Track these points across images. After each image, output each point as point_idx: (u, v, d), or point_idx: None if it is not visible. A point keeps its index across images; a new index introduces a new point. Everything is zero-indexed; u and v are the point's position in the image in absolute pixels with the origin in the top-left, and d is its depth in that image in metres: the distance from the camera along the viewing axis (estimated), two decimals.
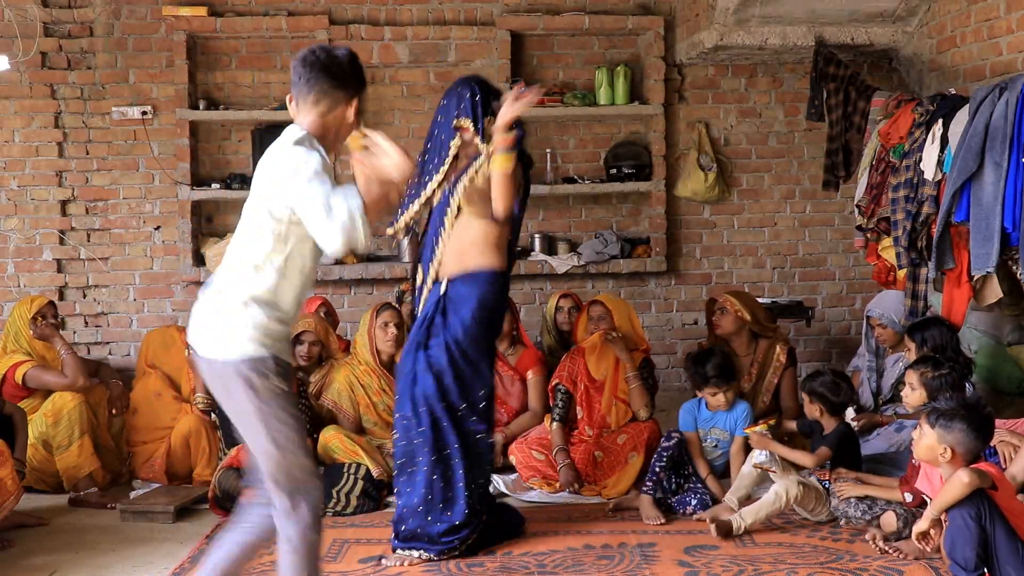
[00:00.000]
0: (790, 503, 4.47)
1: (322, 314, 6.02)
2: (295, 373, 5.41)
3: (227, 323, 3.02)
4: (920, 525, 3.52)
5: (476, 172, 4.20)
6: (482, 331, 4.27)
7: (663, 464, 4.81)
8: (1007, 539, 3.39)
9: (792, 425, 5.00)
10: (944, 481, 3.79)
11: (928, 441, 3.62)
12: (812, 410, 4.72)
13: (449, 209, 4.27)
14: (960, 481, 3.40)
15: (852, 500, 4.43)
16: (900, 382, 5.06)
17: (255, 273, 3.02)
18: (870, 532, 4.27)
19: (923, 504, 4.33)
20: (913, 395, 4.47)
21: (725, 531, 4.35)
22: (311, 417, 5.24)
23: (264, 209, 3.00)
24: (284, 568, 3.04)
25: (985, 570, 3.45)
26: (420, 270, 4.43)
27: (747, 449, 4.83)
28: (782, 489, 4.45)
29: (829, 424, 4.70)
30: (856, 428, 5.15)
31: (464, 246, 4.27)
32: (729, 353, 5.28)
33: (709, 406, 5.00)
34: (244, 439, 3.11)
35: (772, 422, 4.78)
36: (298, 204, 2.92)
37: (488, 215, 4.22)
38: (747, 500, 4.63)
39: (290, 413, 3.04)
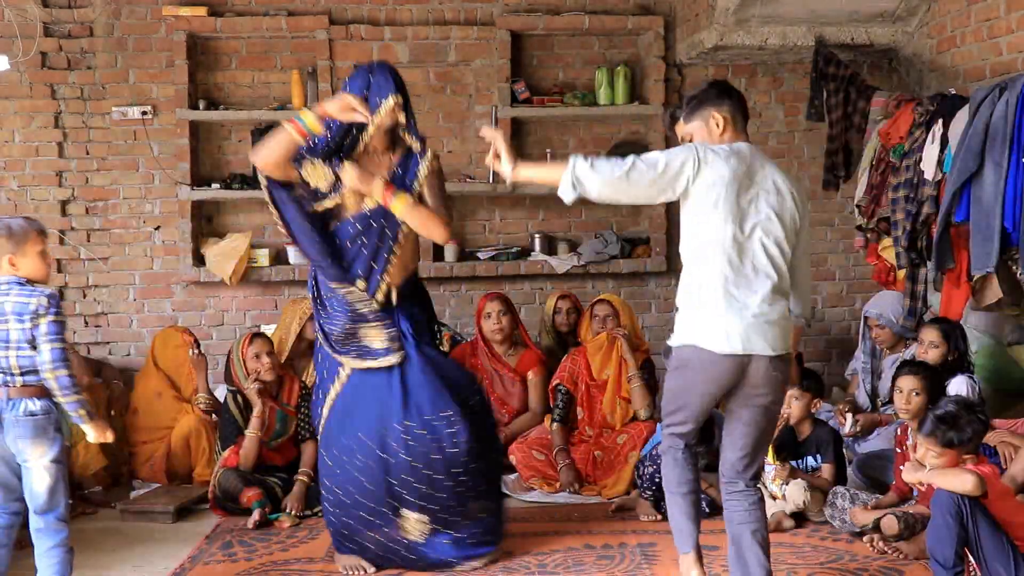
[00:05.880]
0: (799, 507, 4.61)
1: None
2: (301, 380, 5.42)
3: (790, 323, 3.45)
4: (914, 473, 3.67)
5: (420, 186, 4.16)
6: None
7: (656, 467, 4.84)
8: (992, 536, 3.42)
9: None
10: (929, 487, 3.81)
11: (944, 460, 3.60)
12: (800, 409, 4.76)
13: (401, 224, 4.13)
14: (966, 481, 3.44)
15: (837, 504, 4.47)
16: None
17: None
18: (868, 535, 4.28)
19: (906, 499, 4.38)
20: (916, 400, 4.43)
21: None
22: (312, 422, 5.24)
23: (796, 228, 3.45)
24: (761, 520, 3.50)
25: (966, 566, 3.47)
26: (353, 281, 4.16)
27: None
28: (799, 498, 4.57)
29: (804, 428, 4.78)
30: (857, 429, 5.17)
31: (409, 254, 4.23)
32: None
33: None
34: (767, 423, 3.51)
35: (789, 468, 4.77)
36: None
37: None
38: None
39: None
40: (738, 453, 3.51)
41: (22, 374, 3.53)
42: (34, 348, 3.51)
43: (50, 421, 3.58)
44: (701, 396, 3.45)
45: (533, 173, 3.49)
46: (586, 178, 3.25)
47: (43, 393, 3.55)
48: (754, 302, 3.33)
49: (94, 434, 3.64)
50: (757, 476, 3.56)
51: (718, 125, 3.50)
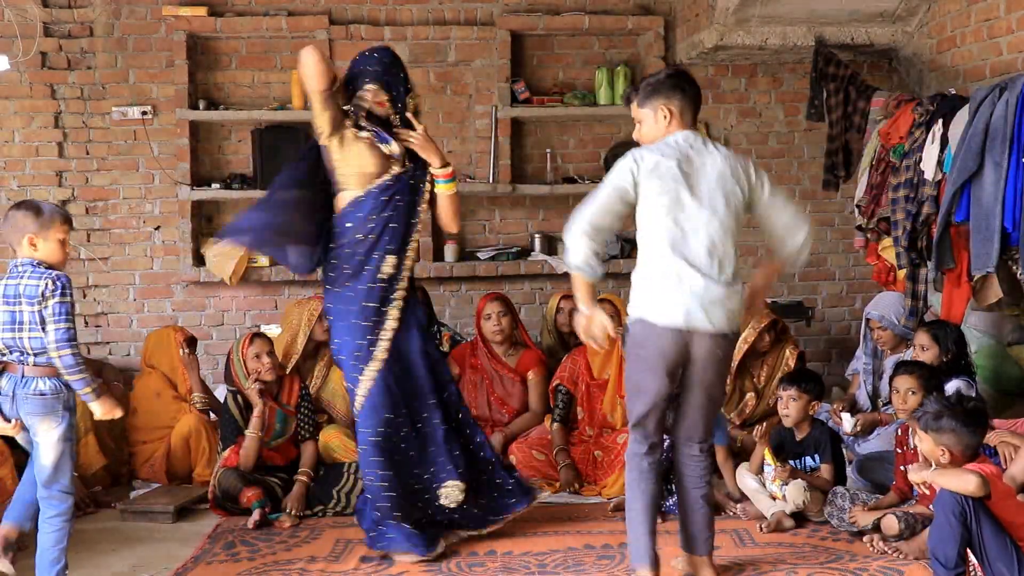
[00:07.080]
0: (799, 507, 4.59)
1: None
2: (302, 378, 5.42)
3: (738, 302, 3.71)
4: (919, 472, 3.69)
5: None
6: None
7: None
8: (995, 537, 3.42)
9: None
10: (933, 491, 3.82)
11: (926, 445, 3.66)
12: (798, 410, 4.75)
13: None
14: (968, 481, 3.42)
15: (837, 503, 4.47)
16: None
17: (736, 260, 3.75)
18: (868, 535, 4.28)
19: (905, 499, 4.37)
20: (913, 399, 4.44)
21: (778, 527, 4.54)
22: (312, 418, 5.25)
23: (740, 207, 3.75)
24: (705, 480, 3.85)
25: (966, 566, 3.47)
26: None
27: (735, 457, 4.92)
28: (799, 498, 4.54)
29: (803, 428, 4.77)
30: (858, 428, 5.16)
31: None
32: None
33: None
34: (711, 395, 3.77)
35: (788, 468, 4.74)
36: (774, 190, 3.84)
37: None
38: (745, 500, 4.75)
39: None
40: (689, 423, 3.82)
41: (34, 354, 3.70)
42: (44, 329, 3.67)
43: (59, 400, 3.74)
44: (653, 372, 3.65)
45: (582, 296, 3.73)
46: (569, 245, 3.60)
47: (54, 373, 3.72)
48: (697, 283, 3.60)
49: (101, 411, 3.81)
50: (707, 438, 3.85)
51: (665, 117, 3.75)
